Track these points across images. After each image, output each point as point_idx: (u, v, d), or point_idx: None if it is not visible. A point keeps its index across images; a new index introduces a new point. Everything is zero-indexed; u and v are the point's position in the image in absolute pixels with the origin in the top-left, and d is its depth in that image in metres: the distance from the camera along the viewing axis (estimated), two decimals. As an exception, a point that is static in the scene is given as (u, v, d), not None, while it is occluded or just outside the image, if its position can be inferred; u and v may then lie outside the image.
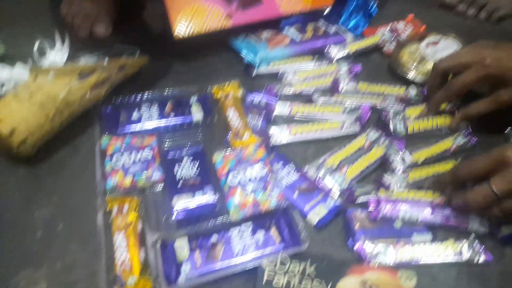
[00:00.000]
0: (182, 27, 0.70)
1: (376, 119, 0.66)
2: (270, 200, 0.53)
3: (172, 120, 0.63)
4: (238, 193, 0.54)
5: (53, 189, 0.55)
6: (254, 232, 0.51)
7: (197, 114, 0.64)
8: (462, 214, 0.52)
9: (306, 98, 0.69)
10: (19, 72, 0.66)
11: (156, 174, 0.56)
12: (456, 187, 0.53)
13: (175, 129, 0.63)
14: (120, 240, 0.49)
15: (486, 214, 0.50)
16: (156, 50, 0.72)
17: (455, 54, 0.62)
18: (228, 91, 0.68)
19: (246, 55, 0.74)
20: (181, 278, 0.46)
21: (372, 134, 0.63)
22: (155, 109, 0.64)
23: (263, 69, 0.73)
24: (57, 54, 0.66)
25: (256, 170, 0.56)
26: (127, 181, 0.55)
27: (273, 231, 0.51)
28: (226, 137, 0.61)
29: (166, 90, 0.67)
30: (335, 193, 0.56)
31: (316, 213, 0.54)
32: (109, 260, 0.47)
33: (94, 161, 0.57)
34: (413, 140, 0.62)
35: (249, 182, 0.55)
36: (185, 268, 0.47)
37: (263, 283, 0.46)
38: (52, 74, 0.57)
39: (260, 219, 0.52)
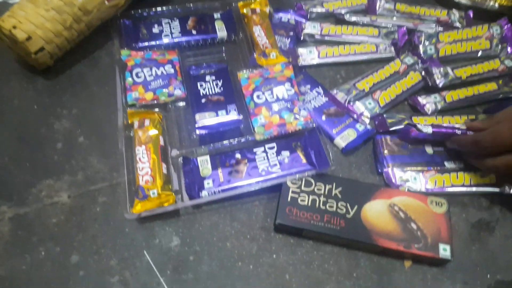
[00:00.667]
0: None
1: (408, 42, 0.61)
2: (297, 121, 0.50)
3: (195, 37, 0.59)
4: (264, 112, 0.51)
5: (72, 101, 0.53)
6: (279, 152, 0.49)
7: (221, 31, 0.60)
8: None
9: (338, 18, 0.63)
10: None
11: (178, 90, 0.53)
12: (476, 153, 0.47)
13: (197, 45, 0.59)
14: (141, 153, 0.47)
15: None
16: None
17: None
18: (255, 7, 0.63)
19: None
20: (204, 192, 0.46)
21: (409, 58, 0.58)
22: (176, 24, 0.60)
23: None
24: None
25: (283, 90, 0.52)
26: (149, 95, 0.52)
27: (299, 152, 0.48)
28: (252, 56, 0.57)
29: (188, 5, 0.62)
30: (366, 118, 0.52)
31: (344, 138, 0.51)
32: (130, 173, 0.46)
33: (114, 74, 0.54)
34: (449, 62, 0.58)
35: (276, 101, 0.51)
36: (208, 183, 0.46)
37: (288, 199, 0.45)
38: None
39: (286, 140, 0.49)
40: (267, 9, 0.62)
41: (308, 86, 0.56)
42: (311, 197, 0.45)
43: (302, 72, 0.57)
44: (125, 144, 0.48)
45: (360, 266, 0.44)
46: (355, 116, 0.53)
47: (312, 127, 0.50)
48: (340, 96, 0.54)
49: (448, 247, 0.43)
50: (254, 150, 0.49)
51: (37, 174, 0.48)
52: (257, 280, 0.43)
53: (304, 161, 0.48)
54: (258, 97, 0.52)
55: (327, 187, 0.46)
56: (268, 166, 0.47)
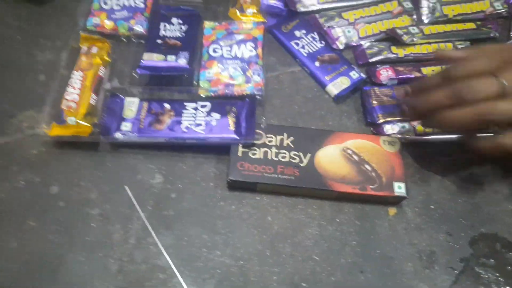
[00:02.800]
0: None
1: None
2: (248, 85, 0.48)
3: None
4: (215, 67, 0.49)
5: (57, 33, 0.52)
6: (209, 113, 0.46)
7: None
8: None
9: None
10: None
11: (139, 26, 0.52)
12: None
13: None
14: (76, 78, 0.46)
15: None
16: None
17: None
18: None
19: None
20: (118, 134, 0.44)
21: (407, 2, 0.57)
22: None
23: None
24: None
25: (244, 49, 0.50)
26: (109, 25, 0.51)
27: (230, 118, 0.46)
28: (228, 7, 0.55)
29: None
30: (340, 44, 0.53)
31: (337, 85, 0.51)
32: (59, 94, 0.45)
33: None
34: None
35: (232, 59, 0.49)
36: (126, 125, 0.45)
37: (239, 154, 0.44)
38: None
39: (224, 102, 0.47)
40: None
41: (303, 31, 0.54)
42: (262, 149, 0.44)
43: (299, 16, 0.55)
44: (66, 65, 0.47)
45: (344, 212, 0.44)
46: (329, 41, 0.53)
47: (257, 95, 0.48)
48: (322, 20, 0.53)
49: (402, 185, 0.43)
50: (185, 103, 0.46)
51: (19, 105, 0.47)
52: (238, 220, 0.43)
53: (231, 127, 0.45)
54: (214, 50, 0.50)
55: (278, 137, 0.45)
56: (193, 124, 0.45)
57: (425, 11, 0.56)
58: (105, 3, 0.52)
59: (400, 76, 0.51)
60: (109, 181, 0.44)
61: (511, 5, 0.58)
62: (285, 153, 0.44)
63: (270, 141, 0.45)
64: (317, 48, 0.53)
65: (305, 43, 0.53)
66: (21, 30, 0.52)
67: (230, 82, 0.48)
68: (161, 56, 0.48)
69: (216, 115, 0.46)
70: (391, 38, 0.55)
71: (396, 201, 0.45)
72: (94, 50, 0.49)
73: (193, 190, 0.44)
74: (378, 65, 0.53)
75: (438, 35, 0.54)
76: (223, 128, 0.45)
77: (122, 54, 0.51)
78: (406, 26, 0.55)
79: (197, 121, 0.45)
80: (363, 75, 0.52)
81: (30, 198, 0.42)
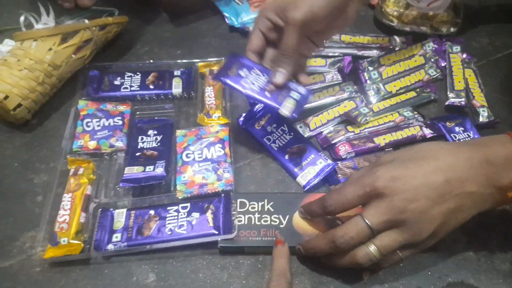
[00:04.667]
0: None
1: (353, 70, 0.66)
2: (219, 182, 0.53)
3: (151, 91, 0.63)
4: (188, 170, 0.53)
5: (49, 156, 0.57)
6: (190, 213, 0.50)
7: (177, 87, 0.64)
8: (330, 260, 0.45)
9: None
10: (7, 47, 0.66)
11: (119, 142, 0.57)
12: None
13: (151, 100, 0.64)
14: (66, 200, 0.50)
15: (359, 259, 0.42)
16: (137, 13, 0.73)
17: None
18: (214, 68, 0.66)
19: (229, 18, 0.71)
20: (110, 246, 0.47)
21: (348, 86, 0.63)
22: (137, 78, 0.64)
23: (248, 27, 0.71)
24: (44, 26, 0.66)
25: (213, 151, 0.55)
26: (92, 144, 0.56)
27: (209, 214, 0.50)
28: (197, 114, 0.61)
29: (155, 61, 0.67)
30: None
31: (304, 176, 0.55)
32: (52, 218, 0.49)
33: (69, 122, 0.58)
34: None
35: (203, 161, 0.54)
36: (117, 236, 0.48)
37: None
38: (37, 39, 0.58)
39: (202, 200, 0.51)
40: None
41: (274, 125, 0.59)
42: (246, 216, 0.49)
43: (269, 111, 0.60)
44: (55, 190, 0.51)
45: (323, 283, 0.47)
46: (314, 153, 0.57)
47: (229, 190, 0.52)
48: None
49: None
50: (168, 208, 0.50)
51: (20, 228, 0.51)
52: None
53: (210, 224, 0.49)
54: (187, 155, 0.55)
55: (260, 204, 0.50)
56: (176, 226, 0.49)
57: (371, 93, 0.63)
58: (88, 126, 0.57)
59: (356, 149, 0.57)
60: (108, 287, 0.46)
61: (443, 69, 0.65)
62: (266, 217, 0.49)
63: (253, 208, 0.49)
64: (286, 141, 0.57)
65: (276, 137, 0.58)
66: (17, 158, 0.57)
67: (203, 182, 0.52)
68: (141, 168, 0.53)
69: (196, 214, 0.50)
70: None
71: None
72: (81, 171, 0.53)
73: (184, 283, 0.47)
74: (336, 143, 0.58)
75: (386, 109, 0.61)
76: (203, 225, 0.49)
77: (106, 169, 0.55)
78: (356, 108, 0.60)
79: (179, 223, 0.49)
80: (329, 162, 0.55)
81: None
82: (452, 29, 0.70)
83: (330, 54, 0.68)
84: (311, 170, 0.55)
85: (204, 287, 0.47)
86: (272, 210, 0.49)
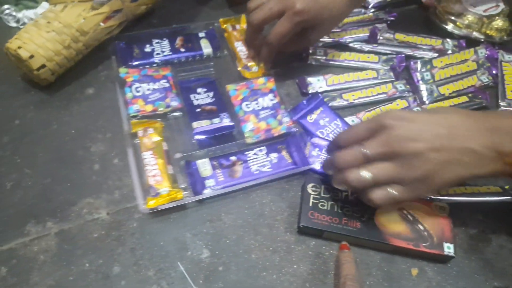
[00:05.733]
0: None
1: (406, 68, 0.65)
2: (281, 126, 0.56)
3: (184, 54, 0.63)
4: (252, 119, 0.56)
5: (104, 125, 0.56)
6: (268, 154, 0.53)
7: (206, 48, 0.64)
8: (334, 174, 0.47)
9: (343, 46, 0.67)
10: (44, 10, 0.63)
11: (174, 102, 0.57)
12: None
13: (187, 62, 0.63)
14: (149, 157, 0.51)
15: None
16: None
17: (265, 4, 0.56)
18: (235, 23, 0.67)
19: None
20: (207, 190, 0.50)
21: (401, 85, 0.61)
22: (166, 44, 0.64)
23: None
24: None
25: (267, 100, 0.58)
26: (148, 107, 0.56)
27: (284, 153, 0.54)
28: (236, 69, 0.62)
29: (175, 26, 0.66)
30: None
31: None
32: (141, 176, 0.50)
33: (115, 92, 0.57)
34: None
35: (262, 110, 0.57)
36: (210, 182, 0.51)
37: (310, 204, 0.49)
38: (69, 3, 0.56)
39: (272, 143, 0.55)
40: (245, 25, 0.66)
41: (327, 119, 0.58)
42: (329, 202, 0.49)
43: (322, 104, 0.59)
44: (132, 151, 0.52)
45: (372, 275, 0.47)
46: None
47: (294, 131, 0.55)
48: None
49: (451, 246, 0.46)
50: (246, 153, 0.53)
51: (78, 193, 0.50)
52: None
53: (289, 161, 0.53)
54: (246, 106, 0.57)
55: (344, 193, 0.50)
56: (260, 166, 0.52)
57: (424, 93, 0.61)
58: (137, 91, 0.57)
59: None
60: (163, 259, 0.46)
61: (495, 76, 0.64)
62: (348, 208, 0.49)
63: (336, 195, 0.50)
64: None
65: (330, 131, 0.57)
66: (75, 126, 0.56)
67: (267, 127, 0.55)
68: (208, 121, 0.55)
69: (273, 155, 0.54)
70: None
71: (444, 259, 0.47)
72: (151, 130, 0.53)
73: (236, 262, 0.47)
74: None
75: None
76: (282, 162, 0.53)
77: (171, 127, 0.56)
78: (409, 107, 0.60)
79: (262, 163, 0.53)
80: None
81: (94, 279, 0.44)
82: (506, 37, 0.69)
83: (383, 52, 0.68)
84: None
85: (256, 267, 0.47)
86: (355, 201, 0.49)
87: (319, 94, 0.60)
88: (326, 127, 0.57)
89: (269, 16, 0.55)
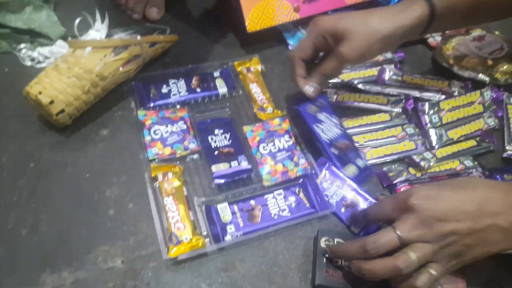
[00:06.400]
0: (254, 22, 0.70)
1: (414, 111, 0.65)
2: (298, 168, 0.56)
3: (200, 94, 0.64)
4: (269, 161, 0.56)
5: (120, 169, 0.56)
6: (286, 197, 0.53)
7: (222, 87, 0.65)
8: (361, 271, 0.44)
9: (352, 87, 0.68)
10: (59, 48, 0.65)
11: (192, 144, 0.57)
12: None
13: (203, 102, 0.64)
14: (170, 203, 0.51)
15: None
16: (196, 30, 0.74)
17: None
18: (249, 65, 0.68)
19: (293, 46, 0.73)
20: (228, 236, 0.49)
21: (410, 128, 0.62)
22: (182, 84, 0.64)
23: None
24: (96, 33, 0.64)
25: (283, 141, 0.58)
26: (167, 150, 0.56)
27: (302, 196, 0.54)
28: (252, 110, 0.63)
29: (190, 66, 0.66)
30: (352, 173, 0.57)
31: (346, 170, 0.56)
32: (163, 222, 0.50)
33: (133, 133, 0.58)
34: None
35: (278, 151, 0.57)
36: (231, 228, 0.50)
37: (324, 261, 0.48)
38: (89, 48, 0.56)
39: (289, 185, 0.55)
40: (259, 67, 0.68)
41: (327, 115, 0.60)
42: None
43: (324, 98, 0.61)
44: (153, 196, 0.51)
45: None
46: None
47: (311, 173, 0.55)
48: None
49: None
50: (265, 197, 0.53)
51: (93, 240, 0.49)
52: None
53: (307, 205, 0.53)
54: (263, 148, 0.57)
55: None
56: (279, 210, 0.52)
57: (434, 138, 0.62)
58: (156, 134, 0.57)
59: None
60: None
61: (501, 119, 0.65)
62: None
63: None
64: (335, 135, 0.58)
65: (327, 128, 0.58)
66: (90, 169, 0.55)
67: (284, 170, 0.55)
68: (226, 164, 0.55)
69: (291, 198, 0.53)
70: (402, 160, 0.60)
71: None
72: (170, 175, 0.53)
73: None
74: (398, 184, 0.57)
75: (449, 156, 0.60)
76: (301, 206, 0.53)
77: (190, 171, 0.56)
78: (416, 149, 0.60)
79: (281, 207, 0.52)
80: (368, 164, 0.57)
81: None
82: (511, 80, 0.70)
83: (392, 93, 0.69)
84: (351, 168, 0.56)
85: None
86: None
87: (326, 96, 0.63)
88: (324, 123, 0.59)
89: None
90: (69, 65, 0.56)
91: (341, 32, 0.52)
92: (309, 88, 0.57)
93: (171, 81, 0.64)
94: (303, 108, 0.60)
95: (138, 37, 0.61)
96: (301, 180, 0.56)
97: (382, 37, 0.51)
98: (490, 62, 0.71)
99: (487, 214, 0.41)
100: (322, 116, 0.59)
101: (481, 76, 0.70)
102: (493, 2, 0.55)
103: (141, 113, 0.59)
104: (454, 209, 0.41)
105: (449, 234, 0.40)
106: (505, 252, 0.42)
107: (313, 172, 0.56)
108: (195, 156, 0.57)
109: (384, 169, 0.59)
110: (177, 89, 0.64)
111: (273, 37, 0.75)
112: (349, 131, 0.62)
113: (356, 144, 0.60)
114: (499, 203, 0.41)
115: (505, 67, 0.70)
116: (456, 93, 0.68)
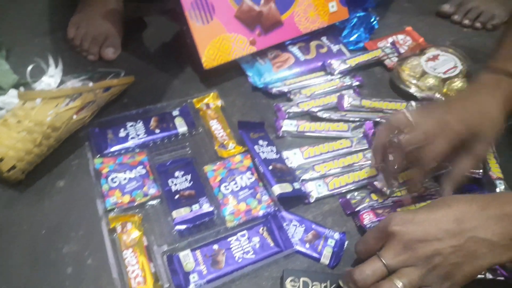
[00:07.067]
0: (211, 59, 0.69)
1: (374, 136, 0.63)
2: (261, 205, 0.55)
3: (159, 135, 0.62)
4: (231, 201, 0.55)
5: (78, 221, 0.54)
6: (250, 238, 0.52)
7: (181, 126, 0.64)
8: None
9: (312, 116, 0.68)
10: (11, 99, 0.63)
11: (152, 189, 0.55)
12: None
13: (162, 143, 0.62)
14: (129, 256, 0.49)
15: None
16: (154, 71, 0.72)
17: (416, 127, 0.50)
18: (208, 101, 0.68)
19: (252, 77, 0.73)
20: (191, 286, 0.47)
21: (370, 154, 0.60)
22: (140, 126, 0.63)
23: (271, 87, 0.71)
24: (50, 79, 0.63)
25: (245, 179, 0.57)
26: (125, 199, 0.54)
27: (266, 235, 0.52)
28: (213, 148, 0.62)
29: (148, 107, 0.65)
30: (312, 198, 0.57)
31: (282, 187, 0.56)
32: (122, 277, 0.47)
33: (91, 182, 0.56)
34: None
35: (240, 190, 0.56)
36: (194, 277, 0.48)
37: None
38: (39, 100, 0.55)
39: (253, 225, 0.53)
40: (219, 102, 0.67)
41: (266, 142, 0.61)
42: None
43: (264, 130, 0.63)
44: (112, 250, 0.49)
45: None
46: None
47: (274, 210, 0.54)
48: (298, 172, 0.59)
49: None
50: (229, 239, 0.52)
51: None
52: None
53: (272, 244, 0.51)
54: (225, 187, 0.56)
55: (323, 285, 0.48)
56: (243, 252, 0.51)
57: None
58: (114, 182, 0.55)
59: (380, 218, 0.54)
60: None
61: None
62: None
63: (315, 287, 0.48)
64: (273, 157, 0.59)
65: (265, 151, 0.60)
66: (46, 225, 0.53)
67: (247, 208, 0.54)
68: (187, 209, 0.54)
69: (255, 239, 0.52)
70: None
71: None
72: (129, 226, 0.52)
73: None
74: (361, 210, 0.56)
75: (412, 180, 0.58)
76: (266, 246, 0.51)
77: (150, 218, 0.54)
78: (382, 177, 0.58)
79: (245, 249, 0.51)
80: (302, 189, 0.57)
81: None
82: (465, 97, 0.71)
83: (351, 119, 0.68)
84: (288, 186, 0.56)
85: None
86: None
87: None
88: (262, 147, 0.61)
89: (424, 139, 0.50)
90: (18, 119, 0.55)
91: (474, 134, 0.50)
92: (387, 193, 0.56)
93: (129, 124, 0.63)
94: (245, 133, 0.62)
95: (91, 84, 0.60)
96: (264, 219, 0.54)
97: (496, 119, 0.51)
98: (445, 81, 0.72)
99: (465, 229, 0.40)
100: (262, 141, 0.61)
101: (437, 95, 0.71)
102: None
103: (97, 161, 0.58)
104: (433, 229, 0.41)
105: (433, 255, 0.40)
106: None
107: (277, 208, 0.55)
108: (156, 201, 0.56)
109: (348, 196, 0.59)
110: (135, 132, 0.63)
111: (232, 69, 0.75)
112: (310, 160, 0.62)
113: (318, 174, 0.60)
114: (476, 217, 0.41)
115: (460, 84, 0.71)
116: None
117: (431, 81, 0.72)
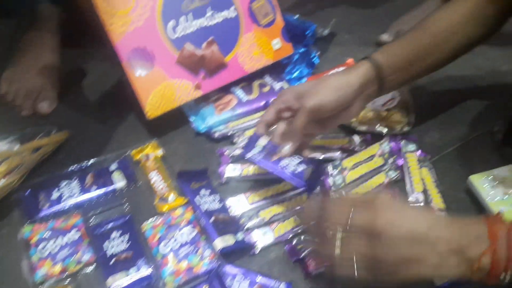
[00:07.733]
0: (155, 107, 0.68)
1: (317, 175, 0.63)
2: (203, 261, 0.53)
3: (95, 193, 0.60)
4: (171, 260, 0.52)
5: None
6: None
7: (119, 181, 0.61)
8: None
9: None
10: None
11: (86, 255, 0.52)
12: None
13: (99, 201, 0.59)
14: None
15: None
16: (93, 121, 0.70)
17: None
18: (147, 152, 0.65)
19: (195, 122, 0.72)
20: None
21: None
22: (75, 184, 0.60)
23: (214, 131, 0.70)
24: None
25: (186, 234, 0.55)
26: (57, 269, 0.51)
27: None
28: (152, 202, 0.59)
29: (83, 164, 0.63)
30: (257, 248, 0.56)
31: (225, 240, 0.54)
32: None
33: (19, 253, 0.52)
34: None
35: (181, 247, 0.54)
36: None
37: None
38: None
39: (196, 284, 0.51)
40: (159, 152, 0.65)
41: (208, 191, 0.60)
42: None
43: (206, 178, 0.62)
44: None
45: None
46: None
47: (217, 266, 0.52)
48: (242, 220, 0.58)
49: None
50: None
51: None
52: None
53: None
54: (165, 245, 0.54)
55: None
56: None
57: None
58: (44, 251, 0.52)
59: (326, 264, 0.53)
60: None
61: (401, 169, 0.65)
62: None
63: None
64: (215, 208, 0.58)
65: (206, 202, 0.58)
66: None
67: (188, 267, 0.52)
68: (123, 274, 0.51)
69: None
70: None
71: None
72: None
73: None
74: (306, 257, 0.54)
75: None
76: None
77: None
78: None
79: None
80: (246, 239, 0.55)
81: None
82: (406, 128, 0.72)
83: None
84: (231, 239, 0.55)
85: None
86: None
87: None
88: (205, 197, 0.60)
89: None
90: None
91: (301, 92, 0.56)
92: (284, 148, 0.57)
93: (63, 183, 0.60)
94: (186, 184, 0.60)
95: (17, 147, 0.57)
96: (207, 277, 0.52)
97: (335, 88, 0.55)
98: (384, 113, 0.73)
99: (431, 238, 0.41)
100: (204, 191, 0.59)
101: (378, 128, 0.72)
102: (425, 52, 0.59)
103: (26, 229, 0.54)
104: (409, 222, 0.43)
105: (393, 240, 0.41)
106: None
107: (219, 264, 0.53)
108: (90, 268, 0.53)
109: (294, 242, 0.57)
110: (69, 192, 0.60)
111: (175, 114, 0.73)
112: (255, 205, 0.60)
113: (264, 221, 0.58)
114: (443, 232, 0.42)
115: (398, 117, 0.72)
116: (356, 149, 0.69)
117: (370, 114, 0.72)
